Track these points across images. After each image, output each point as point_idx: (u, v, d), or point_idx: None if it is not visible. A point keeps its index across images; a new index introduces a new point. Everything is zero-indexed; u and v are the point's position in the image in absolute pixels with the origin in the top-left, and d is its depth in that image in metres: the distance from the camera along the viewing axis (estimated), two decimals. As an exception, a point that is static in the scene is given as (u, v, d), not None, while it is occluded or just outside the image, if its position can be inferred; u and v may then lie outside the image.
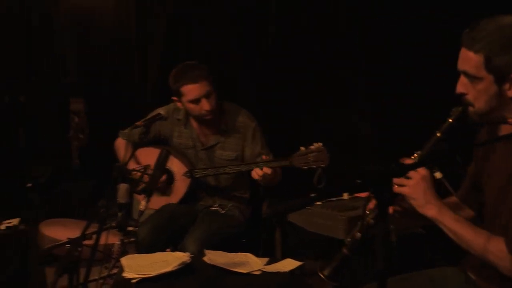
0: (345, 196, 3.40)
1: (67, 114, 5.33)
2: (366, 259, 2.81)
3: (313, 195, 3.13)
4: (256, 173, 3.05)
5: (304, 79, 4.48)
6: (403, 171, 1.94)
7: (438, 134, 2.01)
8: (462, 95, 1.98)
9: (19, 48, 5.36)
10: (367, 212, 2.08)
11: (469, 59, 1.92)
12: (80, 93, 5.34)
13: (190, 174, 3.33)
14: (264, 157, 3.13)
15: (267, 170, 3.02)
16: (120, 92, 5.31)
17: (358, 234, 2.07)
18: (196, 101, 3.23)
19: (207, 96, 3.23)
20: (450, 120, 2.00)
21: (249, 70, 4.77)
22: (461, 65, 1.96)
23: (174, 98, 3.31)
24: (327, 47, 4.39)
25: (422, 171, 1.96)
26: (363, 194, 3.33)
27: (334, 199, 3.36)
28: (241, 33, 4.74)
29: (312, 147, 2.98)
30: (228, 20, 4.75)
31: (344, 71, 4.36)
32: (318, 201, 3.25)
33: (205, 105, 3.24)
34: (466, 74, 1.95)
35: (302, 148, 2.99)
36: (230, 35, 4.78)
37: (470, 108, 1.98)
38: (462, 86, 1.97)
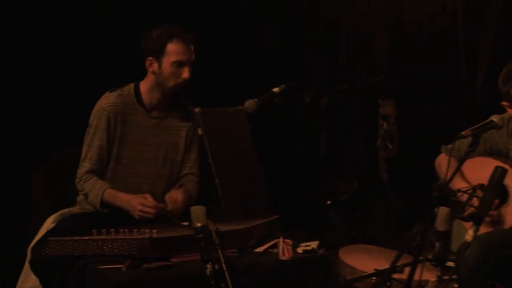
0: None
1: (375, 119, 5.40)
2: None
3: None
4: None
5: None
6: None
7: None
8: None
9: (324, 43, 5.61)
10: None
11: None
12: (391, 94, 5.39)
13: None
14: None
15: None
16: (439, 94, 5.24)
17: None
18: None
19: None
20: None
21: None
22: None
23: (504, 103, 3.30)
24: None
25: None
26: None
27: None
28: None
29: None
30: None
31: None
32: None
33: None
34: None
35: None
36: None
37: None
38: None
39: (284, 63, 5.46)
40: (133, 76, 3.69)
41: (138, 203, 3.39)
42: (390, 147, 5.38)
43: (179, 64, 3.48)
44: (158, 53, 3.49)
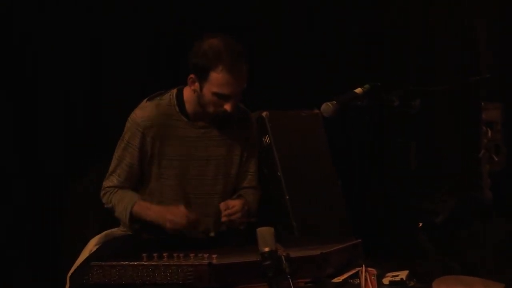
0: None
1: (477, 126, 5.33)
2: None
3: None
4: None
5: None
6: None
7: None
8: None
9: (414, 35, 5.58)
10: None
11: None
12: (496, 96, 5.30)
13: None
14: None
15: None
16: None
17: None
18: None
19: None
20: None
21: None
22: None
23: None
24: None
25: None
26: None
27: None
28: None
29: None
30: None
31: None
32: None
33: None
34: None
35: None
36: None
37: None
38: None
39: (368, 60, 5.42)
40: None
41: (168, 213, 3.44)
42: (496, 159, 5.28)
43: (221, 96, 3.42)
44: (200, 76, 3.43)
